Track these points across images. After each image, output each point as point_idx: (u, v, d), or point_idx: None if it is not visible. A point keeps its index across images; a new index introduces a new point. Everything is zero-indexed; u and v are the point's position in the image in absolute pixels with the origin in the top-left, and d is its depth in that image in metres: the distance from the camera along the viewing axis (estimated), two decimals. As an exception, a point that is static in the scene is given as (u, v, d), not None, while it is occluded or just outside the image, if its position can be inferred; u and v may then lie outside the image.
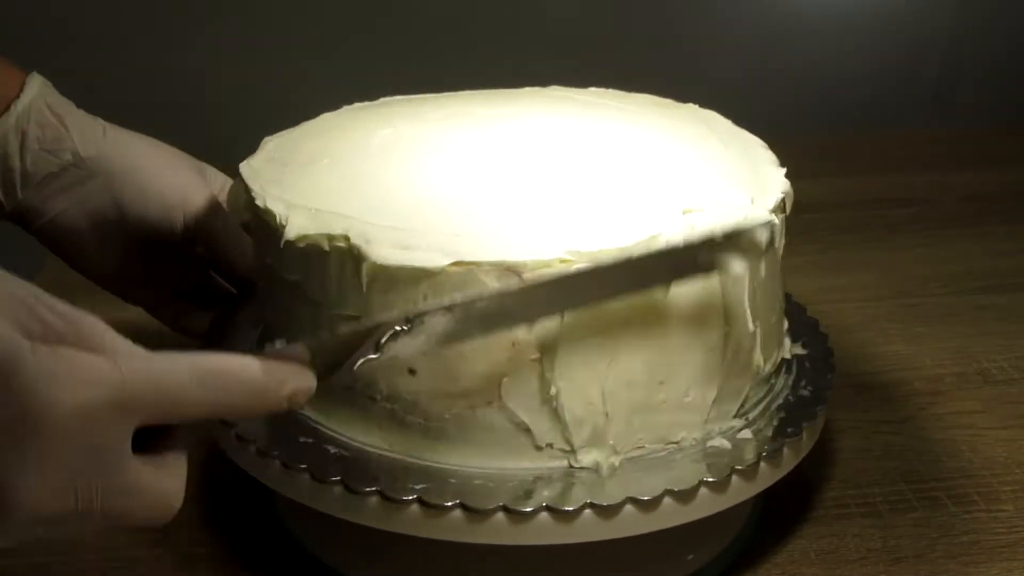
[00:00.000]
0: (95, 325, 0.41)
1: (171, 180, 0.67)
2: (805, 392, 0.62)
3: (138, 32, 1.24)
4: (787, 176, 0.62)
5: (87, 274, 0.69)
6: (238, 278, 0.69)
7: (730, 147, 0.65)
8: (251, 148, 0.66)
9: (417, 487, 0.53)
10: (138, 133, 0.69)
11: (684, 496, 0.54)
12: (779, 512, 0.66)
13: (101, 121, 0.68)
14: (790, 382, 0.63)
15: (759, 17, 1.33)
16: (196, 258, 0.69)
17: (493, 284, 0.51)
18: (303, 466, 0.55)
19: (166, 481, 0.43)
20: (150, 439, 0.43)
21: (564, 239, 0.53)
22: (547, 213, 0.56)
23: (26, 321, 0.40)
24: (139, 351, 0.42)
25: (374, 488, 0.53)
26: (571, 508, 0.52)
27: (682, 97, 0.73)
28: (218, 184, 0.69)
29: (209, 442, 0.60)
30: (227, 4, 1.24)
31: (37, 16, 1.22)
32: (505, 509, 0.52)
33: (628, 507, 0.53)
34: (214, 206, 0.67)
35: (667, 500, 0.53)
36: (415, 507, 0.53)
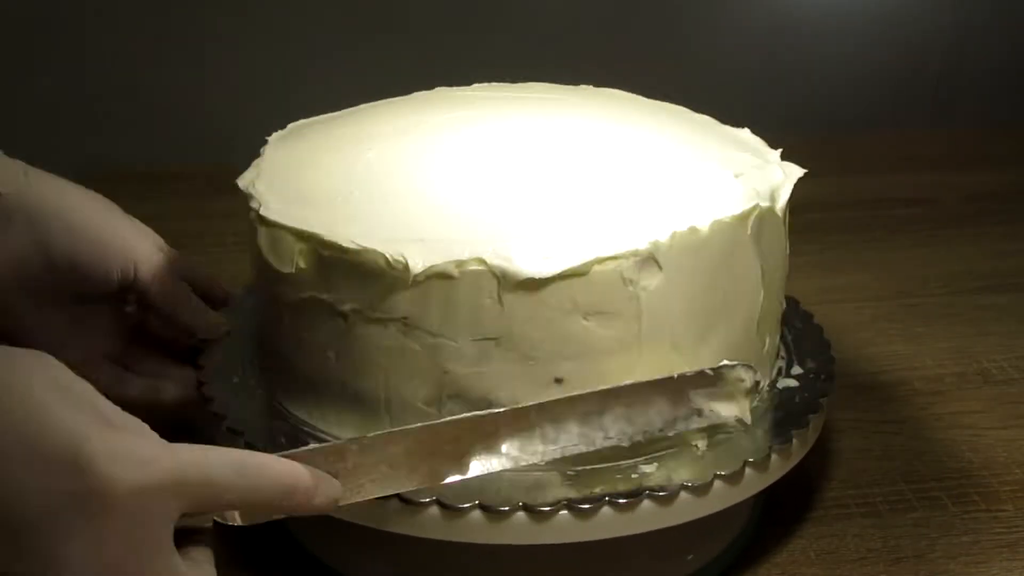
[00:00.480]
0: (144, 424, 0.44)
1: (105, 224, 0.61)
2: (805, 392, 0.62)
3: (137, 32, 1.24)
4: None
5: (3, 329, 0.61)
6: (182, 334, 0.65)
7: (725, 146, 0.65)
8: (251, 148, 0.66)
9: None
10: (62, 179, 0.63)
11: (700, 491, 0.54)
12: (779, 512, 0.66)
13: (21, 163, 0.62)
14: (789, 382, 0.63)
15: (759, 17, 1.33)
16: (128, 315, 0.64)
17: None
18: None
19: (196, 574, 0.45)
20: (179, 540, 0.44)
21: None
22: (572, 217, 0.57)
23: (90, 410, 0.42)
24: (186, 444, 0.44)
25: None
26: (588, 505, 0.53)
27: (682, 97, 0.73)
28: (151, 237, 0.64)
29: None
30: (227, 4, 1.24)
31: (37, 15, 1.21)
32: (523, 509, 0.52)
33: (637, 504, 0.53)
34: (164, 256, 0.63)
35: (683, 495, 0.54)
36: (407, 505, 0.53)
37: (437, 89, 0.74)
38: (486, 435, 0.52)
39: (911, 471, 0.71)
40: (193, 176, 1.13)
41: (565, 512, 0.53)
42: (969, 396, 0.79)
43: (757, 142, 0.67)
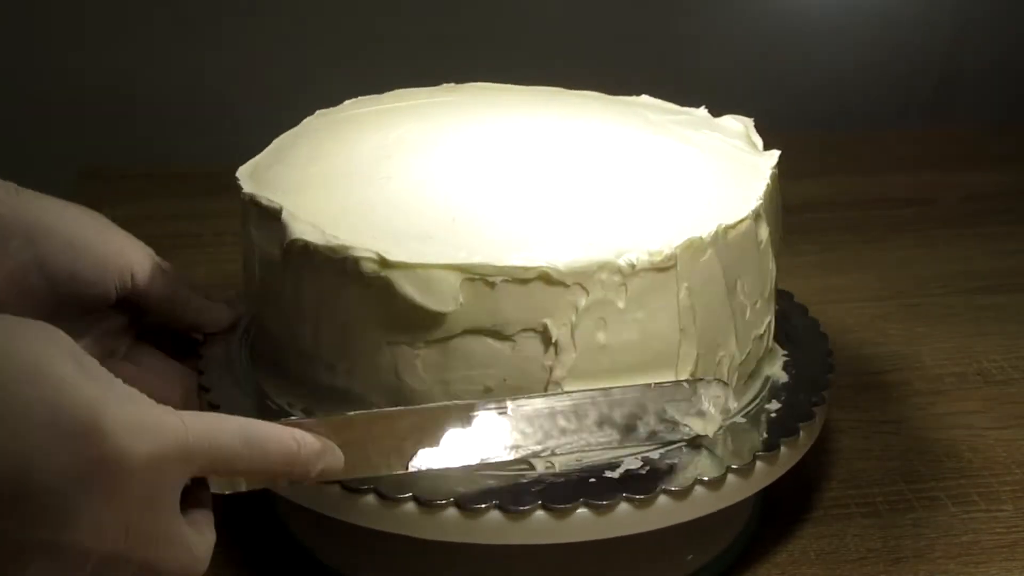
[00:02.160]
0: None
1: (100, 237, 0.62)
2: (805, 387, 0.62)
3: (137, 32, 1.24)
4: (787, 176, 0.62)
5: None
6: (188, 333, 0.65)
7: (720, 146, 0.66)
8: (251, 148, 0.66)
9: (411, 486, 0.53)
10: (52, 197, 0.62)
11: (680, 495, 0.54)
12: (779, 512, 0.66)
13: (11, 183, 0.62)
14: (789, 383, 0.63)
15: (759, 16, 1.33)
16: (125, 328, 0.64)
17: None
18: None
19: (197, 538, 0.47)
20: (182, 504, 0.46)
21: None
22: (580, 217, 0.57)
23: (105, 381, 0.43)
24: (195, 412, 0.46)
25: (370, 487, 0.53)
26: (566, 506, 0.52)
27: (682, 97, 0.73)
28: (145, 248, 0.64)
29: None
30: (226, 4, 1.24)
31: (37, 15, 1.22)
32: (499, 508, 0.52)
33: (622, 506, 0.53)
34: (159, 266, 0.63)
35: (662, 499, 0.53)
36: (410, 505, 0.53)
37: (443, 86, 0.74)
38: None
39: (911, 471, 0.71)
40: (193, 176, 1.13)
41: (583, 510, 0.52)
42: (969, 396, 0.79)
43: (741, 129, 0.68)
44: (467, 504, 0.52)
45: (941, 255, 1.00)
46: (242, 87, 1.25)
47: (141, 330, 0.66)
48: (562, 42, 1.27)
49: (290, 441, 0.48)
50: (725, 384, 0.57)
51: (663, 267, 0.55)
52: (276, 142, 0.67)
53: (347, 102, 0.72)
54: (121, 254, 0.62)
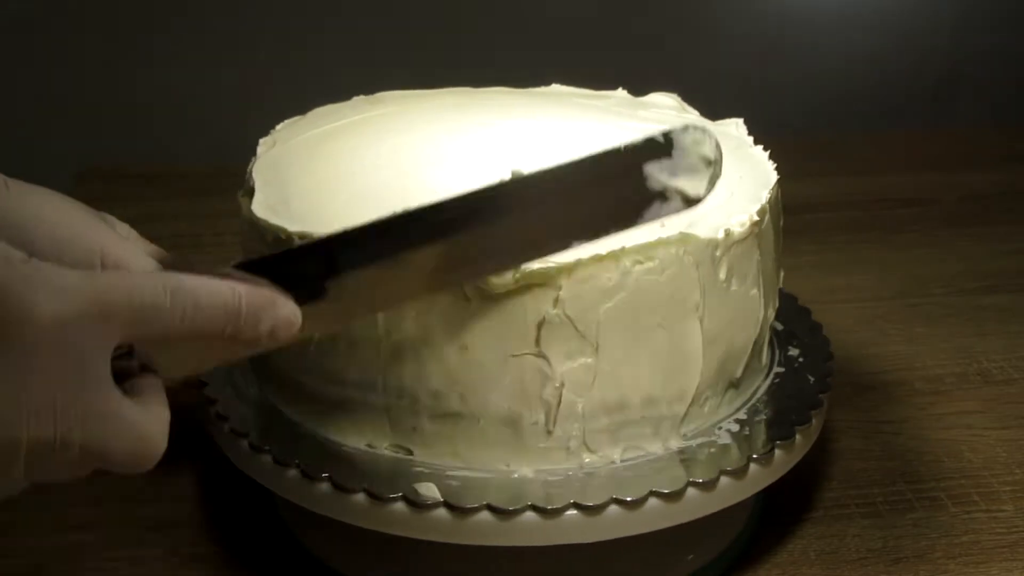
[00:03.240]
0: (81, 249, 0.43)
1: (84, 230, 0.57)
2: (804, 388, 0.62)
3: (137, 32, 1.24)
4: (787, 176, 0.62)
5: None
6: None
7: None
8: (251, 148, 0.66)
9: (404, 485, 0.53)
10: (41, 187, 0.60)
11: (671, 497, 0.54)
12: (779, 512, 0.66)
13: (1, 175, 0.60)
14: (789, 382, 0.63)
15: (759, 16, 1.33)
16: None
17: None
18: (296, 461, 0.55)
19: (148, 418, 0.42)
20: (125, 379, 0.42)
21: None
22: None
23: (2, 250, 0.40)
24: (115, 269, 0.42)
25: (362, 486, 0.53)
26: (555, 507, 0.52)
27: (682, 97, 0.73)
28: (124, 233, 0.60)
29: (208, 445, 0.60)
30: (226, 4, 1.24)
31: (37, 14, 1.22)
32: (491, 508, 0.52)
33: (613, 507, 0.53)
34: (136, 258, 0.62)
35: (653, 501, 0.53)
36: (401, 505, 0.53)
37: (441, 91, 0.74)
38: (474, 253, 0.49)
39: (911, 471, 0.71)
40: (193, 176, 1.13)
41: (574, 511, 0.53)
42: (969, 396, 0.79)
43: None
44: (458, 504, 0.52)
45: (941, 255, 1.00)
46: (242, 87, 1.25)
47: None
48: (560, 41, 1.27)
49: (226, 291, 0.43)
50: (704, 130, 0.49)
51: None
52: (262, 160, 0.65)
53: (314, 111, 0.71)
54: (106, 248, 0.58)
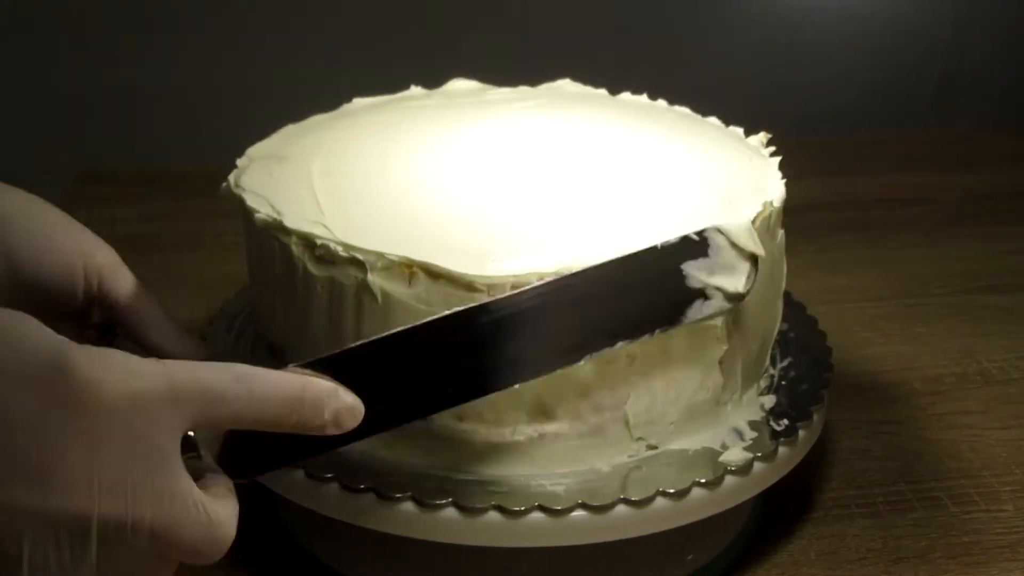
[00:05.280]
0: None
1: (68, 232, 0.58)
2: (804, 393, 0.62)
3: (137, 32, 1.24)
4: (787, 176, 0.62)
5: None
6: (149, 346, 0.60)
7: (726, 151, 0.65)
8: (247, 149, 0.66)
9: (410, 487, 0.53)
10: (18, 188, 0.59)
11: (677, 496, 0.54)
12: (779, 512, 0.66)
13: None
14: (789, 382, 0.63)
15: (760, 17, 1.33)
16: (94, 329, 0.60)
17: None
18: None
19: (217, 505, 0.43)
20: (198, 471, 0.43)
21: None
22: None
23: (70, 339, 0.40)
24: (180, 361, 0.42)
25: (369, 486, 0.53)
26: (563, 508, 0.53)
27: (682, 98, 0.73)
28: (113, 253, 0.60)
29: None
30: (226, 4, 1.24)
31: (37, 14, 1.22)
32: (497, 509, 0.52)
33: (620, 507, 0.53)
34: (129, 274, 0.59)
35: (660, 500, 0.53)
36: (408, 505, 0.53)
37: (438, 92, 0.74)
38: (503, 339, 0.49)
39: (911, 471, 0.71)
40: (193, 176, 1.13)
41: (580, 512, 0.53)
42: (969, 396, 0.79)
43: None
44: (465, 505, 0.52)
45: (941, 255, 1.00)
46: (242, 87, 1.25)
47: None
48: (560, 41, 1.27)
49: (290, 380, 0.44)
50: (742, 225, 0.50)
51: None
52: (259, 164, 0.64)
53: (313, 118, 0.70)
54: (89, 253, 0.59)
